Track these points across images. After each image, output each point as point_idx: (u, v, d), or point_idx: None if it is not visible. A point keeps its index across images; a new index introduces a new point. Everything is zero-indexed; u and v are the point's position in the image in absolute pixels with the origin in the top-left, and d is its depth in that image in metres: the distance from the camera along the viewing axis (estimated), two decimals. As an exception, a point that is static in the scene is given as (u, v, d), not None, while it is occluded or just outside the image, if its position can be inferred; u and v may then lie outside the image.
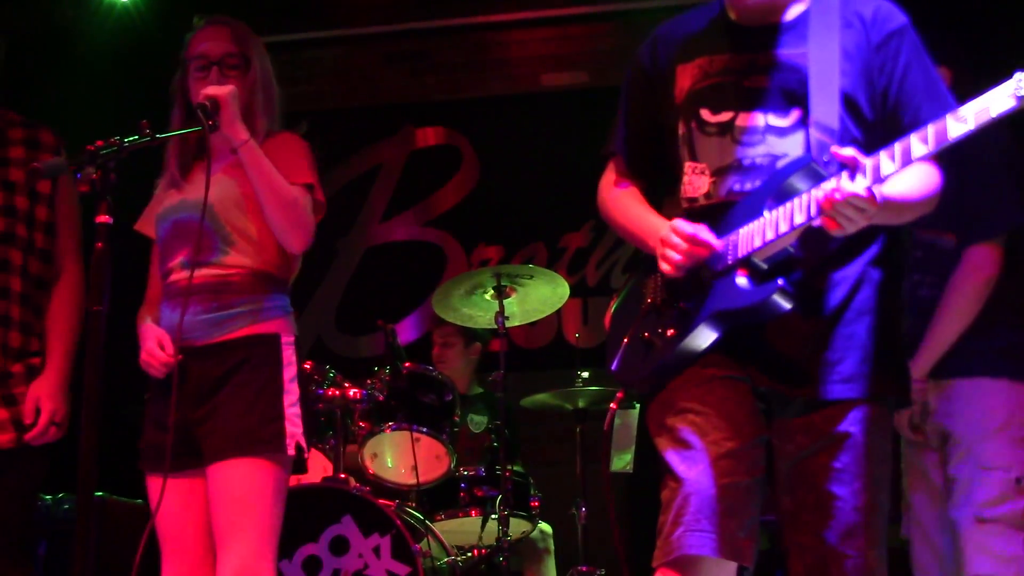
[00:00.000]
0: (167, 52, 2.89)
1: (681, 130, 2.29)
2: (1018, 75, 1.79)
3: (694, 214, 2.24)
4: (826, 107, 2.14)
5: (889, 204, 2.03)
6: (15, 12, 5.37)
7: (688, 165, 2.27)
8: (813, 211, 2.01)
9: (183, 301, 2.66)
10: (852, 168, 1.97)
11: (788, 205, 2.07)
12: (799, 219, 2.05)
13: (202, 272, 2.71)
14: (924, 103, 2.18)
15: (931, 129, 1.89)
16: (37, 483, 3.05)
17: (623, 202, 2.42)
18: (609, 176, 2.48)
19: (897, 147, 1.93)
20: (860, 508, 2.13)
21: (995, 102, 1.82)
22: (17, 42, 3.17)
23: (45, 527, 4.28)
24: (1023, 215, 3.05)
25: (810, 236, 2.10)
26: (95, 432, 2.09)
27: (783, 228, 2.06)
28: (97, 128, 2.75)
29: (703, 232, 2.16)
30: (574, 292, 5.08)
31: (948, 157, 2.10)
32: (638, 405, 4.20)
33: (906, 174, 2.01)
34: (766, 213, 2.10)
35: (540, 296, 4.51)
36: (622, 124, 2.44)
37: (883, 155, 1.95)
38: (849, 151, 1.98)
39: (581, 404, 4.62)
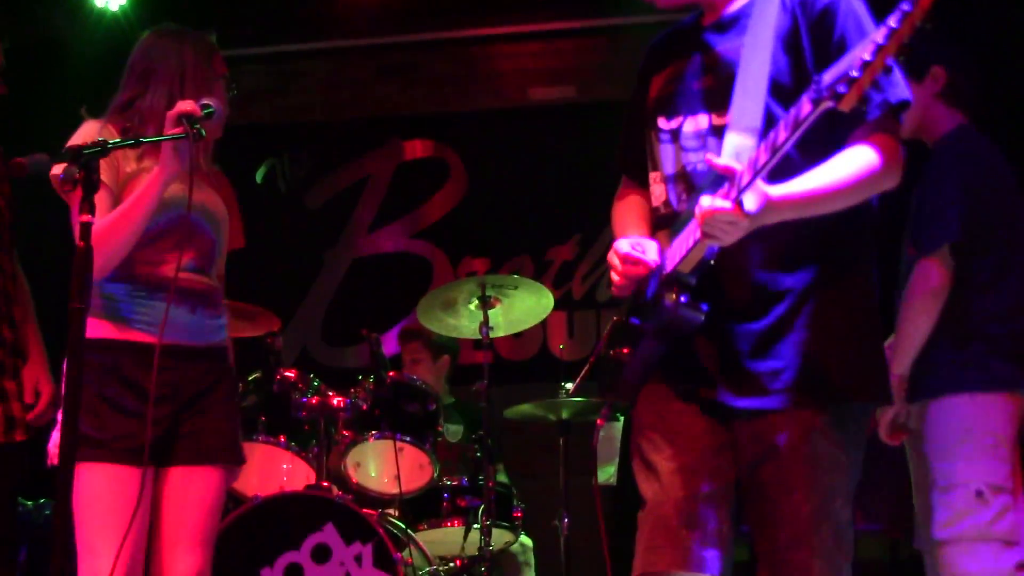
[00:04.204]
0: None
1: (648, 139, 2.31)
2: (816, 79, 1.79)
3: (659, 224, 2.27)
4: (749, 105, 2.06)
5: (779, 205, 1.98)
6: (5, 21, 5.38)
7: (652, 175, 2.30)
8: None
9: (193, 302, 2.68)
10: (729, 178, 1.95)
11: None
12: (698, 232, 2.01)
13: (201, 279, 2.73)
14: (847, 30, 2.07)
15: (791, 114, 1.85)
16: (16, 481, 3.07)
17: (618, 213, 2.46)
18: (620, 188, 2.50)
19: (770, 136, 1.90)
20: (804, 517, 2.08)
21: (803, 107, 1.82)
22: (8, 51, 3.19)
23: (25, 532, 4.27)
24: (959, 233, 2.98)
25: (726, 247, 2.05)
26: (75, 436, 2.08)
27: (689, 243, 2.07)
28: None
29: (636, 251, 2.18)
30: (560, 305, 5.09)
31: (910, 172, 2.08)
32: (622, 417, 4.23)
33: (818, 166, 1.99)
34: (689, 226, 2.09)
35: (525, 307, 4.51)
36: (622, 136, 2.47)
37: (761, 148, 1.91)
38: (723, 161, 1.96)
39: (565, 415, 4.62)
